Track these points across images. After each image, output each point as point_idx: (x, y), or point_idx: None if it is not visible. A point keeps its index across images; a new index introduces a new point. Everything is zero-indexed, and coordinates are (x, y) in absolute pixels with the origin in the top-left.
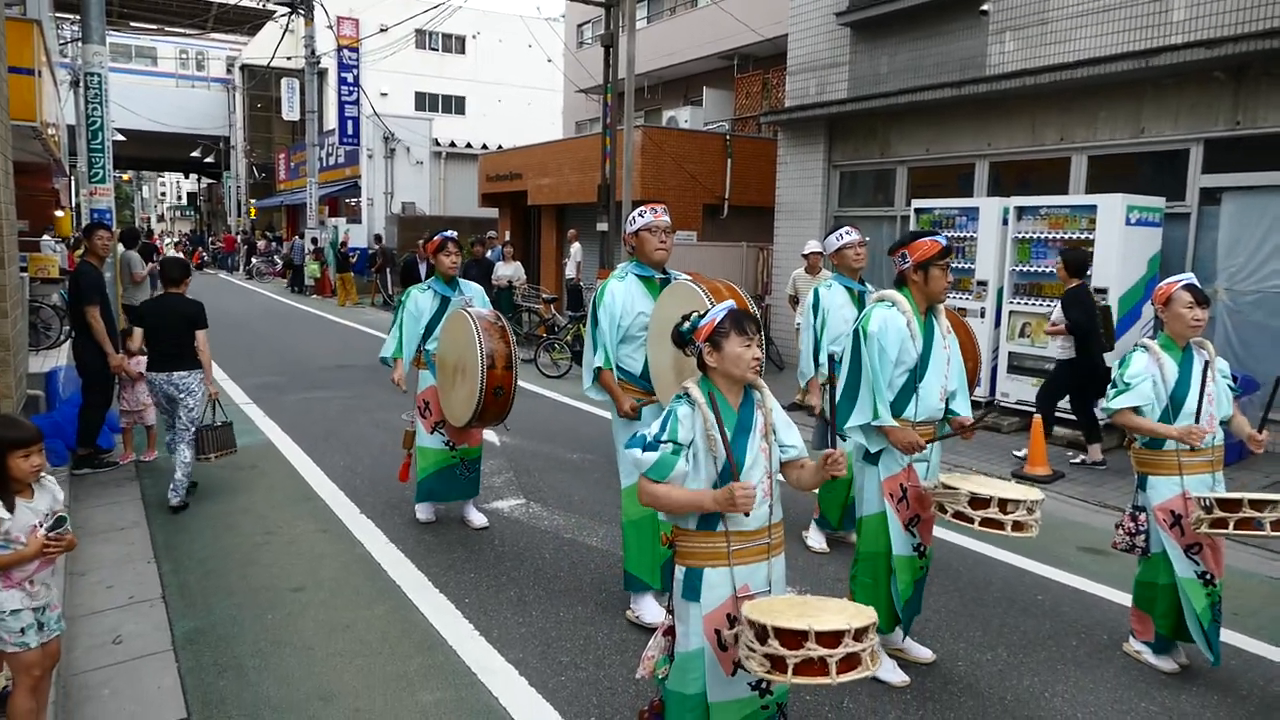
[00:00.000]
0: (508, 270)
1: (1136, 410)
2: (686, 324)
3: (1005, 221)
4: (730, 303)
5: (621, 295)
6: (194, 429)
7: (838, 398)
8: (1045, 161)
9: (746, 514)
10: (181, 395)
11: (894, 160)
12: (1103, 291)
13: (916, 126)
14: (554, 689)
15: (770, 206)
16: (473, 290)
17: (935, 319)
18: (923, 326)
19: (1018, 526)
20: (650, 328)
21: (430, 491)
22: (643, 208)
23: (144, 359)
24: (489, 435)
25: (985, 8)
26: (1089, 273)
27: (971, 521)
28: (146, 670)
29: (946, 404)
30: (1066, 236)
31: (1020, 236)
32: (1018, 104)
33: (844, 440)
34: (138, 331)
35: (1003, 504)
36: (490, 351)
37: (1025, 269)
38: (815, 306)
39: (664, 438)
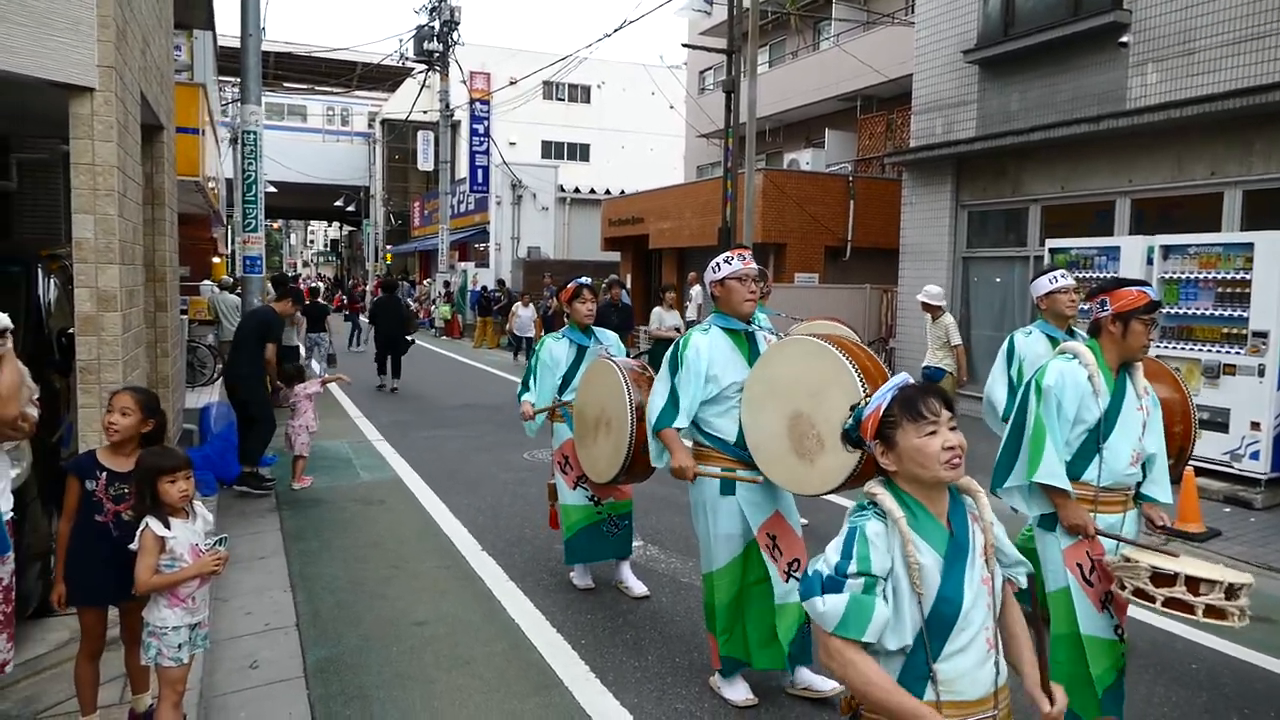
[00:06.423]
0: (672, 319)
1: None
2: (850, 420)
3: (1150, 261)
4: (903, 378)
5: (707, 350)
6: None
7: (997, 456)
8: (1191, 198)
9: None
10: (318, 342)
11: (1026, 199)
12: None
13: (1050, 163)
14: None
15: (894, 248)
16: (609, 339)
17: (1130, 375)
18: (1111, 382)
19: (1212, 612)
20: (749, 389)
21: (578, 551)
22: (728, 254)
23: (309, 386)
24: None
25: (1124, 40)
26: None
27: (1153, 600)
28: (279, 695)
29: (1143, 470)
30: (1220, 276)
31: (1167, 276)
32: (1161, 138)
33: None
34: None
35: (1192, 583)
36: (639, 403)
37: (1173, 311)
38: (1010, 354)
39: (851, 570)
